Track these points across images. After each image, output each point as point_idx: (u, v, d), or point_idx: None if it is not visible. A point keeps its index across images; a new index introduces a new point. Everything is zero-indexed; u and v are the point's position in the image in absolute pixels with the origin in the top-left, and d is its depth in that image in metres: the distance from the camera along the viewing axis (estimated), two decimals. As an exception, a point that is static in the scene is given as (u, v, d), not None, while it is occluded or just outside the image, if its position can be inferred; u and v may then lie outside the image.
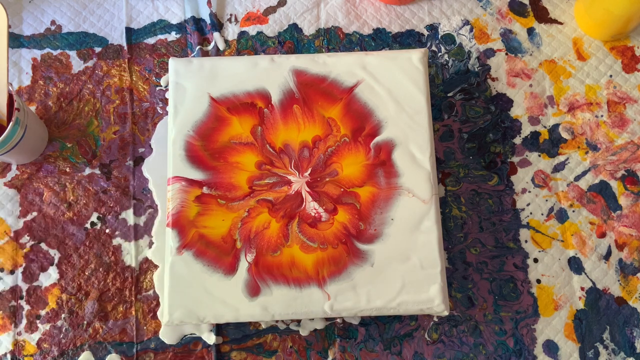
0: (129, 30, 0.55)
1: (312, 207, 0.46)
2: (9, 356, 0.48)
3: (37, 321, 0.48)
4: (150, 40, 0.55)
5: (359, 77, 0.48)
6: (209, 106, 0.47)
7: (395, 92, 0.48)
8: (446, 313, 0.45)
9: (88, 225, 0.50)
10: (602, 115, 0.54)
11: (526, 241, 0.51)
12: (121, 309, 0.49)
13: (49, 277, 0.49)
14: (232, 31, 0.56)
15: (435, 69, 0.55)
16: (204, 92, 0.48)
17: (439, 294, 0.44)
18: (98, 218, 0.50)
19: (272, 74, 0.48)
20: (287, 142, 0.47)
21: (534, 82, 0.55)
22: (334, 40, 0.56)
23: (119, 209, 0.51)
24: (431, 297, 0.44)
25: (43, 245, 0.50)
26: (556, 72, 0.55)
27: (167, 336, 0.48)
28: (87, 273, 0.49)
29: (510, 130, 0.53)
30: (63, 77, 0.54)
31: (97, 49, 0.55)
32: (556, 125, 0.54)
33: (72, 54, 0.55)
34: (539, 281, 0.50)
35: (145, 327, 0.48)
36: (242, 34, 0.56)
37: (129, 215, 0.51)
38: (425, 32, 0.56)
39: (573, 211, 0.52)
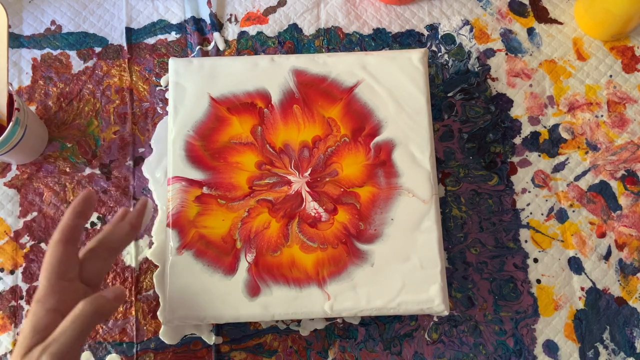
0: (129, 30, 0.55)
1: (312, 207, 0.46)
2: (9, 356, 0.48)
3: (37, 321, 0.48)
4: (150, 40, 0.55)
5: (359, 77, 0.48)
6: (209, 106, 0.47)
7: (395, 92, 0.48)
8: (446, 313, 0.45)
9: (88, 225, 0.50)
10: (602, 115, 0.54)
11: (526, 241, 0.51)
12: (121, 309, 0.49)
13: (49, 277, 0.49)
14: (232, 31, 0.56)
15: (435, 69, 0.55)
16: (204, 92, 0.48)
17: (439, 294, 0.44)
18: (98, 218, 0.50)
19: (272, 74, 0.48)
20: (287, 142, 0.47)
21: (534, 82, 0.55)
22: (334, 40, 0.56)
23: (119, 209, 0.51)
24: (431, 297, 0.44)
25: (43, 245, 0.50)
26: (556, 72, 0.55)
27: (167, 336, 0.48)
28: (87, 273, 0.49)
29: (510, 130, 0.53)
30: (63, 77, 0.54)
31: (97, 49, 0.55)
32: (556, 125, 0.54)
33: (72, 54, 0.55)
34: (539, 281, 0.50)
35: (145, 327, 0.48)
36: (242, 34, 0.56)
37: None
38: (425, 32, 0.56)
39: (573, 211, 0.52)
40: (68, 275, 0.38)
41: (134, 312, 0.49)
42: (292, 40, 0.55)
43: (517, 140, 0.53)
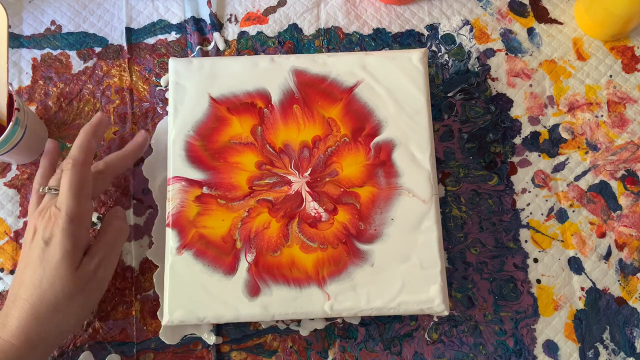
0: (129, 30, 0.55)
1: (312, 207, 0.46)
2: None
3: (37, 321, 0.48)
4: (150, 40, 0.55)
5: (359, 77, 0.48)
6: (209, 106, 0.47)
7: (395, 92, 0.48)
8: (446, 313, 0.45)
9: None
10: (602, 115, 0.54)
11: (526, 241, 0.51)
12: (121, 309, 0.49)
13: (49, 277, 0.49)
14: (232, 31, 0.56)
15: (435, 69, 0.55)
16: (204, 92, 0.48)
17: (439, 294, 0.44)
18: (98, 218, 0.50)
19: (272, 74, 0.48)
20: (287, 142, 0.47)
21: (534, 82, 0.55)
22: (334, 40, 0.56)
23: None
24: (431, 297, 0.44)
25: (43, 245, 0.50)
26: (556, 72, 0.55)
27: (167, 336, 0.48)
28: (87, 273, 0.49)
29: (510, 130, 0.53)
30: (63, 77, 0.54)
31: (97, 49, 0.55)
32: (556, 125, 0.54)
33: (72, 54, 0.55)
34: (539, 281, 0.50)
35: (145, 327, 0.48)
36: (242, 34, 0.56)
37: (129, 215, 0.51)
38: (425, 32, 0.56)
39: (573, 211, 0.52)
40: (90, 194, 0.43)
41: (134, 312, 0.49)
42: (292, 40, 0.55)
43: (517, 140, 0.53)
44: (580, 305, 0.50)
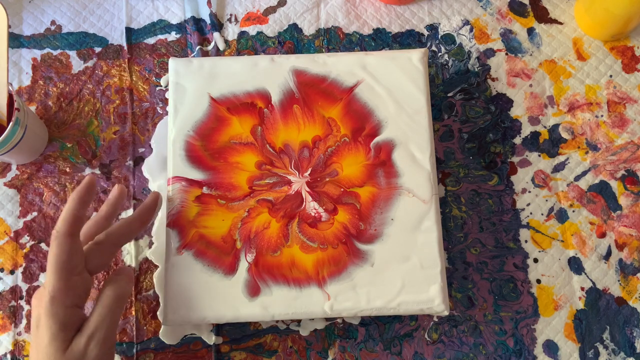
0: (129, 30, 0.55)
1: (312, 207, 0.46)
2: (9, 356, 0.48)
3: (37, 321, 0.48)
4: (150, 40, 0.55)
5: (359, 77, 0.48)
6: (209, 106, 0.47)
7: (395, 92, 0.48)
8: (446, 313, 0.45)
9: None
10: (602, 115, 0.54)
11: (526, 241, 0.51)
12: (121, 309, 0.49)
13: (49, 277, 0.49)
14: (232, 31, 0.56)
15: (435, 69, 0.55)
16: (204, 92, 0.48)
17: (439, 294, 0.44)
18: (98, 218, 0.50)
19: (272, 74, 0.48)
20: (287, 142, 0.47)
21: (534, 82, 0.55)
22: (334, 40, 0.56)
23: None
24: (431, 297, 0.44)
25: (43, 245, 0.50)
26: (556, 72, 0.55)
27: (167, 336, 0.48)
28: (87, 273, 0.49)
29: (510, 130, 0.53)
30: (63, 77, 0.54)
31: (97, 49, 0.55)
32: (556, 125, 0.54)
33: (72, 54, 0.55)
34: (539, 281, 0.50)
35: (145, 327, 0.48)
36: (242, 34, 0.56)
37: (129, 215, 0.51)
38: (425, 32, 0.56)
39: (573, 211, 0.52)
40: (78, 269, 0.38)
41: (134, 312, 0.49)
42: (292, 40, 0.55)
43: (517, 140, 0.53)
44: (580, 305, 0.50)
